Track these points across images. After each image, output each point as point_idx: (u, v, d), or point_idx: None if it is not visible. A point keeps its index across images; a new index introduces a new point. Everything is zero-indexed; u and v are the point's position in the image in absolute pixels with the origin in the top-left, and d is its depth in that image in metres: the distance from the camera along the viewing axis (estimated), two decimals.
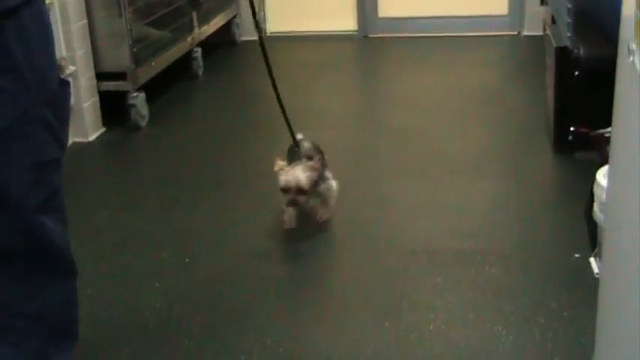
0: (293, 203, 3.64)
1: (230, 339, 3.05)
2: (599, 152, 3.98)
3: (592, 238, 3.41)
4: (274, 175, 3.62)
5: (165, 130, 5.36)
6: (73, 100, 4.88)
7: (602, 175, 3.09)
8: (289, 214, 3.82)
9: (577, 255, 3.46)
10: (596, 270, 3.27)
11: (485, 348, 2.93)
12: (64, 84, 2.39)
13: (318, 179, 3.69)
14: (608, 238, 2.47)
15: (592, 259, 3.35)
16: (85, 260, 3.66)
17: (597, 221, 3.18)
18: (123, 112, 5.28)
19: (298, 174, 3.57)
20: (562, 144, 4.48)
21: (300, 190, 3.58)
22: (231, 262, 3.63)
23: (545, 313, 3.10)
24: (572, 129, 4.40)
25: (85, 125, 5.12)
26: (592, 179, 3.23)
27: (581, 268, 3.37)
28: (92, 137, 5.16)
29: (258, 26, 3.96)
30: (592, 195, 3.23)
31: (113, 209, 4.22)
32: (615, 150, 2.35)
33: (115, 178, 4.75)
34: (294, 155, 3.76)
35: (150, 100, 5.44)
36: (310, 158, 3.70)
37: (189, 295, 3.37)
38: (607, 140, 3.98)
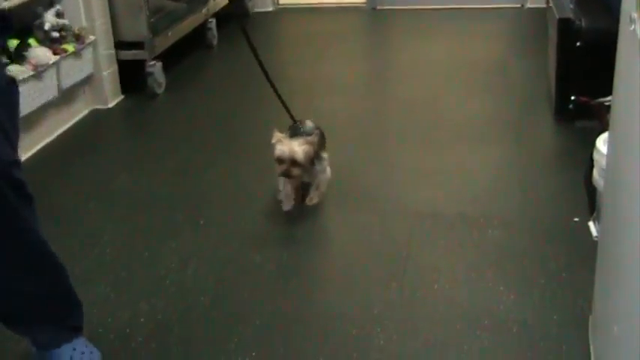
0: (286, 174, 3.52)
1: (242, 296, 3.06)
2: (598, 120, 3.96)
3: (591, 202, 3.41)
4: (272, 147, 3.53)
5: (180, 97, 5.35)
6: (93, 69, 4.91)
7: (602, 142, 3.08)
8: (286, 191, 3.69)
9: (576, 219, 3.46)
10: (594, 233, 3.26)
11: (487, 307, 2.94)
12: (12, 83, 2.35)
13: (315, 157, 3.58)
14: (607, 203, 2.48)
15: (591, 223, 3.34)
16: (104, 221, 3.70)
17: (596, 186, 3.17)
18: (141, 80, 5.27)
19: (294, 146, 3.48)
20: (563, 112, 4.47)
21: (294, 162, 3.47)
22: (243, 223, 3.64)
23: (544, 274, 3.11)
24: (573, 98, 4.38)
25: (105, 92, 5.13)
26: (592, 146, 3.22)
27: (580, 231, 3.36)
28: (111, 104, 5.17)
29: (245, 33, 3.82)
30: (592, 161, 3.22)
31: (131, 173, 4.23)
32: (615, 117, 2.34)
33: (132, 143, 4.76)
34: (295, 132, 3.67)
35: (166, 68, 5.44)
36: (318, 128, 3.69)
37: (203, 254, 3.38)
38: (607, 108, 3.97)
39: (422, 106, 5.00)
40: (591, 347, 2.52)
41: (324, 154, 3.70)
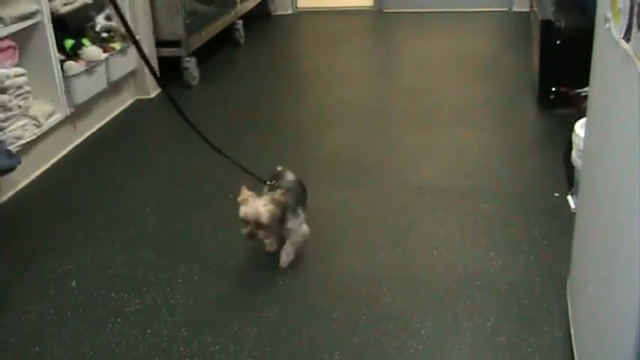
0: (251, 237, 2.83)
1: (266, 260, 3.06)
2: (576, 108, 3.94)
3: (569, 179, 3.40)
4: (239, 204, 2.88)
5: (212, 89, 5.34)
6: (136, 65, 4.90)
7: (579, 126, 3.07)
8: (266, 242, 3.05)
9: (556, 194, 3.44)
10: (572, 206, 3.25)
11: (479, 269, 2.93)
12: None
13: (287, 214, 2.90)
14: (584, 179, 2.46)
15: (569, 197, 3.33)
16: (147, 194, 3.70)
17: (574, 165, 3.16)
18: (178, 74, 5.28)
19: (258, 207, 2.80)
20: (545, 101, 4.45)
21: (258, 224, 2.80)
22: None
23: (529, 241, 3.10)
24: (553, 89, 4.37)
25: (147, 85, 5.12)
26: (570, 130, 3.21)
27: (559, 204, 3.35)
28: (152, 95, 5.17)
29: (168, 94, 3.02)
30: (570, 143, 3.21)
31: (170, 153, 4.23)
32: (592, 104, 2.33)
33: (170, 128, 4.75)
34: (274, 185, 3.01)
35: (200, 63, 5.44)
36: (288, 189, 2.96)
37: (232, 224, 3.37)
38: (583, 98, 3.95)
39: (422, 94, 4.98)
40: (569, 303, 2.51)
41: (301, 210, 3.02)
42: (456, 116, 4.56)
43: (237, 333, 2.62)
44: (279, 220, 2.86)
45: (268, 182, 3.01)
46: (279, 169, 3.18)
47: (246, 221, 2.81)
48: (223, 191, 3.66)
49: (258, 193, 2.89)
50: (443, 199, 3.51)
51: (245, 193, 2.86)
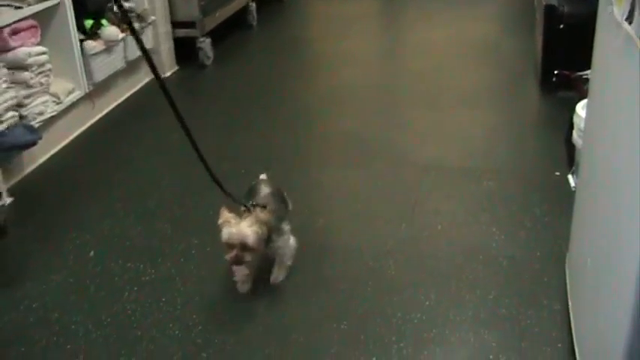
0: (236, 261, 2.50)
1: None
2: (576, 91, 3.93)
3: (570, 159, 3.39)
4: (220, 228, 2.55)
5: (226, 68, 5.33)
6: (153, 44, 4.89)
7: (581, 108, 3.05)
8: (240, 276, 2.69)
9: (557, 173, 3.43)
10: (573, 184, 3.25)
11: (481, 244, 2.93)
12: None
13: (272, 234, 2.59)
14: (584, 159, 2.46)
15: (570, 176, 3.32)
16: (162, 170, 3.71)
17: (575, 145, 3.15)
18: (193, 54, 5.26)
19: (244, 228, 2.48)
20: (547, 84, 4.42)
21: (244, 247, 2.47)
22: (278, 172, 3.62)
23: (530, 218, 3.10)
24: (555, 72, 4.34)
25: (163, 64, 5.11)
26: (571, 112, 3.20)
27: (560, 183, 3.34)
28: (168, 73, 5.16)
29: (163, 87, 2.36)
30: (571, 124, 3.20)
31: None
32: (593, 86, 2.32)
33: (185, 106, 4.71)
34: (249, 200, 2.67)
35: (214, 44, 5.41)
36: (264, 207, 2.60)
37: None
38: (584, 81, 3.94)
39: (428, 76, 4.96)
40: (567, 278, 2.52)
41: (285, 226, 2.72)
42: (461, 98, 4.54)
43: (248, 302, 2.64)
44: (265, 241, 2.56)
45: (247, 205, 2.61)
46: (261, 177, 2.90)
47: (230, 245, 2.48)
48: (237, 167, 3.67)
49: (239, 213, 2.58)
50: (447, 177, 3.50)
51: (225, 214, 2.53)
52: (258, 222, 2.50)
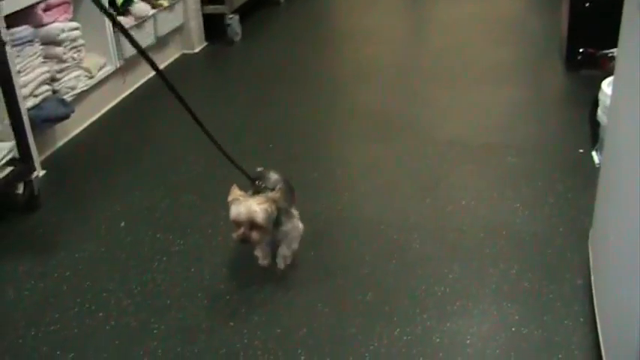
0: (244, 240, 2.39)
1: (302, 208, 3.07)
2: (601, 69, 3.90)
3: (594, 136, 3.36)
4: (229, 205, 2.47)
5: (254, 44, 5.32)
6: (183, 20, 4.90)
7: (606, 85, 3.02)
8: (260, 251, 2.66)
9: (581, 150, 3.40)
10: (597, 161, 3.22)
11: (505, 220, 2.91)
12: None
13: (281, 216, 2.51)
14: (609, 135, 2.43)
15: (594, 153, 3.29)
16: (191, 144, 3.71)
17: (600, 122, 3.12)
18: (221, 30, 5.27)
19: (253, 205, 2.39)
20: (572, 62, 4.38)
21: (253, 225, 2.38)
22: (304, 148, 3.64)
23: (553, 195, 3.07)
24: (581, 50, 4.30)
25: (192, 40, 5.12)
26: (595, 91, 3.16)
27: (583, 160, 3.31)
28: (197, 49, 5.16)
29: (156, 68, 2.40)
30: (596, 101, 3.17)
31: (213, 104, 4.23)
32: (619, 64, 2.29)
33: (214, 81, 4.76)
34: (259, 184, 2.57)
35: (242, 20, 5.41)
36: (277, 188, 2.52)
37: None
38: (610, 59, 3.90)
39: (452, 53, 4.92)
40: (590, 254, 2.50)
41: (294, 210, 2.65)
42: (486, 75, 4.50)
43: (274, 275, 2.64)
44: (273, 223, 2.48)
45: (258, 184, 2.56)
46: (259, 169, 2.74)
47: (238, 222, 2.39)
48: (264, 141, 3.68)
49: (250, 193, 2.52)
50: (471, 153, 3.48)
51: (235, 192, 2.45)
52: (269, 201, 2.42)
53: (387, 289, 2.54)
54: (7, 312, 2.53)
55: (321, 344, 2.30)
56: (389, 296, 2.50)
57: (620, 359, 1.82)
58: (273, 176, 2.65)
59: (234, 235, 2.41)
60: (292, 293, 2.55)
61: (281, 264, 2.65)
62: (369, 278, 2.60)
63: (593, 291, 2.33)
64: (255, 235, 2.40)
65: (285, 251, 2.64)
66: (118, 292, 2.59)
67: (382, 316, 2.41)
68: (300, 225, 2.64)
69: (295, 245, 2.64)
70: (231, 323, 2.41)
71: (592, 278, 2.38)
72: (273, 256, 2.67)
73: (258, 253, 2.65)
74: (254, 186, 2.55)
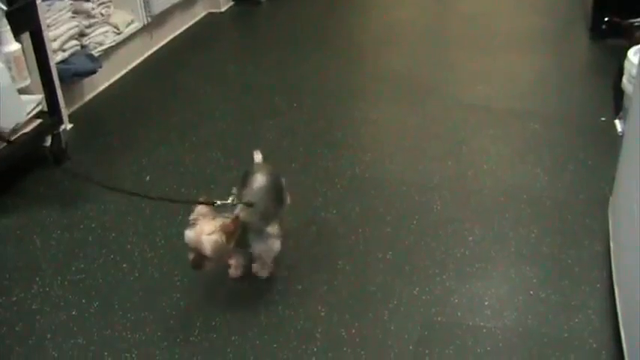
0: (195, 265, 2.16)
1: (326, 165, 3.06)
2: (627, 38, 3.82)
3: (617, 105, 3.31)
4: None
5: (280, 5, 5.26)
6: None
7: (633, 54, 2.96)
8: (234, 259, 2.40)
9: (603, 118, 3.36)
10: (619, 129, 3.17)
11: (526, 184, 2.89)
12: None
13: (250, 236, 2.25)
14: (634, 104, 2.39)
15: (617, 121, 3.25)
16: (217, 101, 3.71)
17: (625, 90, 3.07)
18: None
19: (202, 235, 2.12)
20: (597, 31, 4.31)
21: (201, 255, 2.14)
22: (329, 108, 3.62)
23: (574, 161, 3.04)
24: (606, 19, 4.23)
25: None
26: (620, 59, 3.11)
27: (605, 128, 3.27)
28: (224, 9, 5.11)
29: None
30: (621, 69, 3.11)
31: (239, 63, 4.21)
32: None
33: (240, 41, 4.73)
34: (242, 189, 2.34)
35: None
36: (250, 205, 2.24)
37: (296, 131, 3.37)
38: (636, 28, 3.83)
39: (479, 20, 4.85)
40: (610, 221, 2.47)
41: (270, 228, 2.30)
42: (511, 42, 4.44)
43: (297, 231, 2.63)
44: (239, 244, 2.22)
45: (231, 196, 2.30)
46: (256, 159, 2.55)
47: (188, 248, 2.17)
48: (289, 101, 3.65)
49: (217, 211, 2.22)
50: (495, 118, 3.44)
51: (198, 210, 2.19)
52: (222, 229, 2.13)
53: (408, 248, 2.53)
54: (35, 261, 2.55)
55: (341, 301, 2.30)
56: (409, 256, 2.49)
57: (637, 325, 1.81)
58: (259, 181, 2.35)
59: (188, 259, 2.18)
60: (314, 250, 2.55)
61: (256, 273, 2.41)
62: (390, 237, 2.59)
63: (612, 257, 2.31)
64: (205, 264, 2.16)
65: (257, 269, 2.40)
66: (142, 245, 2.60)
67: (402, 275, 2.41)
68: (276, 245, 2.34)
69: (269, 261, 2.38)
70: (253, 279, 2.41)
71: (611, 245, 2.36)
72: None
73: (231, 261, 2.40)
74: (232, 199, 2.27)
